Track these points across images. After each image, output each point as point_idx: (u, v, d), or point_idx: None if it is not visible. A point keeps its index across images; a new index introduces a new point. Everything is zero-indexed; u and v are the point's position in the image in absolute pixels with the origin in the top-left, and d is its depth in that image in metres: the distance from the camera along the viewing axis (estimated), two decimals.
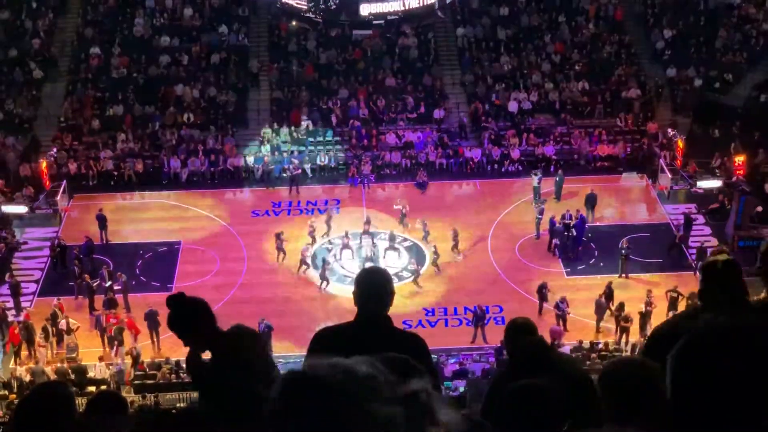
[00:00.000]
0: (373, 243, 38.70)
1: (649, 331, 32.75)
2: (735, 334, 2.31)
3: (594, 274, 36.89)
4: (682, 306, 33.38)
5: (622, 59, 50.53)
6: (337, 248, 38.82)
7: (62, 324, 33.07)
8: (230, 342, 4.87)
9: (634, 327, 33.04)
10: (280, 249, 37.92)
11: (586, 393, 4.95)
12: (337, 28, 51.06)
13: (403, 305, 35.52)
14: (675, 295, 33.66)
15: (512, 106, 47.73)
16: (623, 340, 32.92)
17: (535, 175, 42.42)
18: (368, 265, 37.04)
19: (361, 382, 2.11)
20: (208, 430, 4.47)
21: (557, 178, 42.59)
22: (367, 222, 39.59)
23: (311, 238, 38.76)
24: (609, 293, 34.11)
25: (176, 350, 32.77)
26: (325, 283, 36.71)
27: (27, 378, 30.43)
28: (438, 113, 47.62)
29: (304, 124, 46.64)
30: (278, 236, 37.99)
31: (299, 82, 49.08)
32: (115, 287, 35.12)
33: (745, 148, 43.66)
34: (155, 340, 33.29)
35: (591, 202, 40.43)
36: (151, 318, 33.36)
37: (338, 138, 46.88)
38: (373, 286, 5.95)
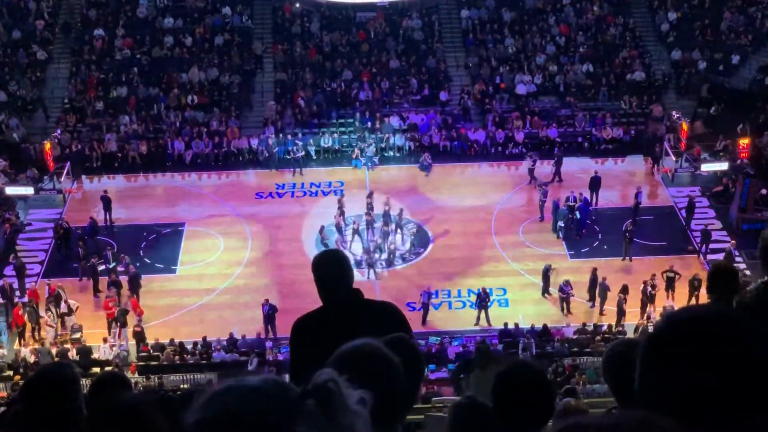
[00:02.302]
0: (370, 224, 38.47)
1: (653, 313, 32.82)
2: (711, 321, 2.30)
3: (598, 256, 36.86)
4: (680, 286, 33.45)
5: (627, 42, 50.44)
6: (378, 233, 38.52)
7: (63, 306, 33.12)
8: None
9: (635, 310, 33.13)
10: (324, 245, 37.52)
11: None
12: (341, 9, 51.00)
13: (407, 287, 35.60)
14: (671, 275, 33.72)
15: (521, 89, 47.66)
16: (623, 321, 32.88)
17: (530, 157, 42.53)
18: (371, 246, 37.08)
19: (265, 396, 2.13)
20: None
21: (555, 159, 42.61)
22: (369, 195, 39.62)
23: (338, 231, 38.34)
24: (594, 279, 34.05)
25: (180, 331, 32.91)
26: (371, 270, 36.66)
27: (32, 359, 30.51)
28: (444, 95, 47.58)
29: None
30: (321, 231, 37.74)
31: (303, 64, 49.02)
32: (119, 269, 35.18)
33: (750, 130, 43.59)
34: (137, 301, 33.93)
35: (595, 184, 40.38)
36: (134, 281, 34.27)
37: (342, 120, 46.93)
38: (334, 267, 5.97)
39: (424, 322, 33.49)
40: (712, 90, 46.94)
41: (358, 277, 36.38)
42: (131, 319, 32.85)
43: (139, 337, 32.30)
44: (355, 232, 37.99)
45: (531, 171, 42.32)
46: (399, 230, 38.35)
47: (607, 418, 2.08)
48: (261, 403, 2.09)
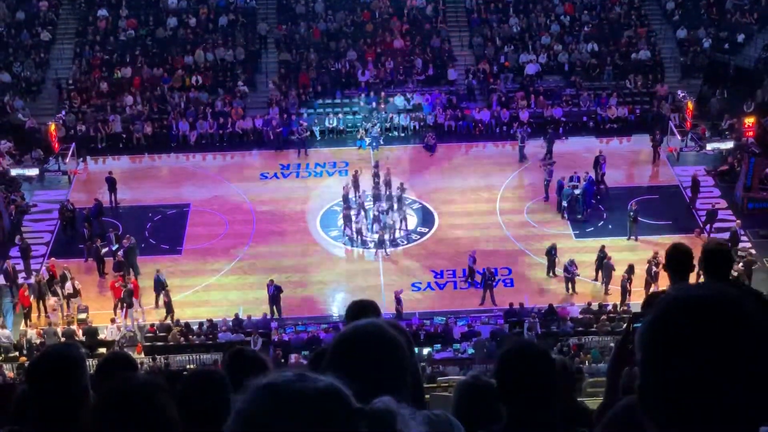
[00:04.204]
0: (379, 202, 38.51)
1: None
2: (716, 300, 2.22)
3: (602, 236, 36.82)
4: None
5: (632, 20, 50.26)
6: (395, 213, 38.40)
7: (68, 286, 33.15)
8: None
9: (640, 289, 33.09)
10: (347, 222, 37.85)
11: None
12: None
13: (411, 268, 35.64)
14: None
15: (530, 69, 47.52)
16: (627, 300, 32.82)
17: (519, 134, 42.59)
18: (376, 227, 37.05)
19: (318, 406, 2.07)
20: (219, 390, 4.50)
21: (547, 137, 42.63)
22: (375, 166, 39.88)
23: (360, 208, 38.32)
24: (602, 257, 34.00)
25: (185, 311, 32.97)
26: (384, 246, 36.71)
27: (38, 340, 30.58)
28: (453, 73, 47.49)
29: None
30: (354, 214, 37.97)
31: (308, 45, 48.91)
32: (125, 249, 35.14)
33: (755, 109, 43.46)
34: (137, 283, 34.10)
35: (599, 164, 40.30)
36: (132, 252, 34.60)
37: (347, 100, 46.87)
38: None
39: (470, 283, 33.95)
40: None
41: (365, 256, 36.48)
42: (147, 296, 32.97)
43: (168, 307, 32.64)
44: (361, 206, 37.94)
45: (521, 148, 42.51)
46: (398, 204, 38.22)
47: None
48: (313, 412, 2.04)
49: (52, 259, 34.82)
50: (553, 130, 43.37)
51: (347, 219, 37.53)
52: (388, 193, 38.67)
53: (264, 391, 2.10)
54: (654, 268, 32.89)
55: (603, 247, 34.22)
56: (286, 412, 2.04)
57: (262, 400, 2.08)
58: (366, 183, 39.56)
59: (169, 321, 32.52)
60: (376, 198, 38.62)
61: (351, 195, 38.49)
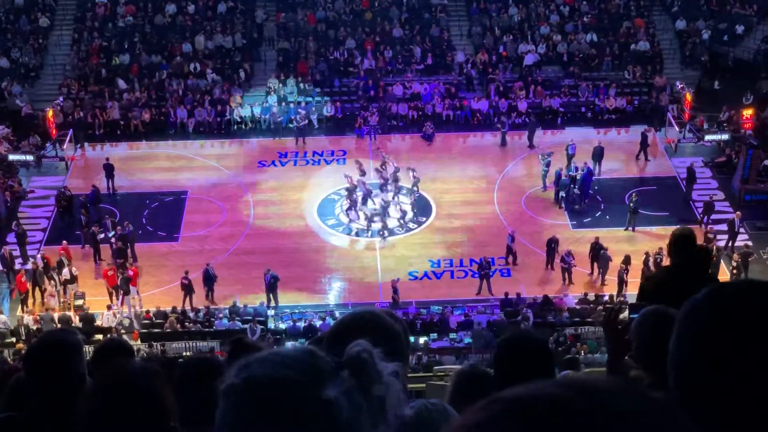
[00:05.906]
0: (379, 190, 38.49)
1: None
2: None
3: (600, 227, 36.83)
4: None
5: (632, 11, 50.21)
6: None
7: (65, 272, 33.11)
8: None
9: (636, 280, 33.09)
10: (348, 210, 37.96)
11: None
12: None
13: (409, 257, 35.64)
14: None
15: (528, 59, 47.44)
16: (624, 291, 32.83)
17: (501, 123, 42.73)
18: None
19: (297, 364, 2.06)
20: (215, 377, 4.49)
21: (528, 126, 42.71)
22: (382, 158, 39.84)
23: (364, 191, 38.32)
24: (597, 248, 33.98)
25: (182, 298, 32.94)
26: (381, 233, 36.75)
27: (34, 326, 30.58)
28: (461, 56, 47.41)
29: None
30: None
31: (305, 33, 48.82)
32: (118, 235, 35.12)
33: (754, 101, 43.47)
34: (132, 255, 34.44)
35: (598, 155, 40.28)
36: (125, 239, 34.53)
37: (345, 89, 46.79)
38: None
39: (515, 262, 34.57)
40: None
41: (362, 245, 36.48)
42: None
43: (187, 289, 32.75)
44: (368, 195, 37.92)
45: (504, 134, 42.66)
46: (408, 191, 38.33)
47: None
48: (293, 371, 2.04)
49: (64, 242, 34.72)
50: (531, 120, 43.36)
51: (352, 205, 37.52)
52: (394, 179, 38.62)
53: (244, 366, 2.08)
54: (651, 259, 32.90)
55: (597, 238, 34.22)
56: (265, 378, 2.03)
57: (241, 374, 2.07)
58: (369, 172, 39.54)
59: (208, 302, 32.89)
60: (382, 188, 38.53)
61: (356, 183, 38.43)
